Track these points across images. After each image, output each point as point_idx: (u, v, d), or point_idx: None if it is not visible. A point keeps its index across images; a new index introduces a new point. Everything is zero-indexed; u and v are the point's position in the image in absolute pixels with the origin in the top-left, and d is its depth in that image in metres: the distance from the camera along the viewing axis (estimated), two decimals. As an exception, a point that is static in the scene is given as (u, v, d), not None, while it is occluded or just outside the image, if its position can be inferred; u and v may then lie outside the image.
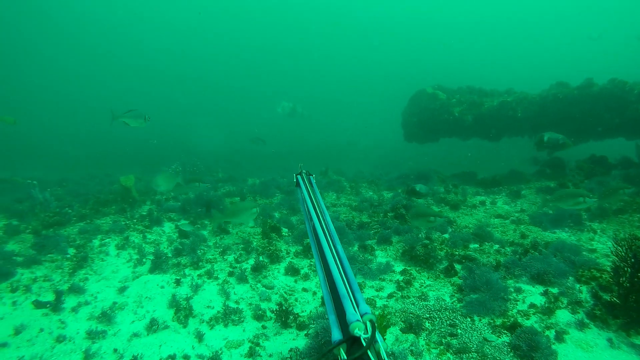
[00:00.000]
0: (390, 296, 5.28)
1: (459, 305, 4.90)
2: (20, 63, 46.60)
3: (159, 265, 5.88)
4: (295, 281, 5.76)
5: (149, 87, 51.23)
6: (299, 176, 1.72)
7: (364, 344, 0.93)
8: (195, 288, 5.26)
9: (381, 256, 6.64)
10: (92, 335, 4.24)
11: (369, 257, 6.45)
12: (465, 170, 13.72)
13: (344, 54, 61.09)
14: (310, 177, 1.71)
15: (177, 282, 5.40)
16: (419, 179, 11.70)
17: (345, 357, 0.97)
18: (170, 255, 6.34)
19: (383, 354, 0.91)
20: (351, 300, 1.07)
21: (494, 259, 6.09)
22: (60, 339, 4.23)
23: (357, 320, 1.00)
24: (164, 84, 52.49)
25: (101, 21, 50.92)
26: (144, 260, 6.18)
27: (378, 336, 1.00)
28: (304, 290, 5.51)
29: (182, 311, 4.62)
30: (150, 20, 54.84)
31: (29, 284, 5.46)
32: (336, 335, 1.08)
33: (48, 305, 4.86)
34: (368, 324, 1.01)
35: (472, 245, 6.89)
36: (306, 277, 5.85)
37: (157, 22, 55.13)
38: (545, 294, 4.74)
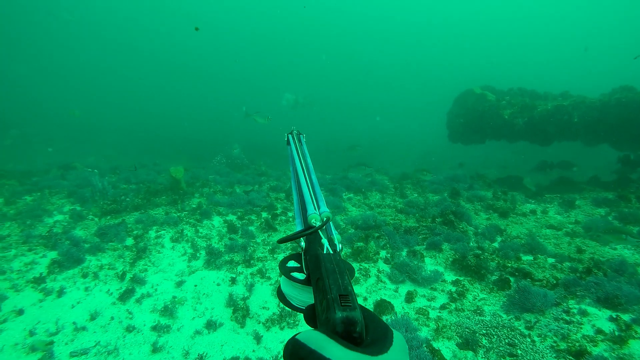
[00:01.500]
0: (443, 307, 5.22)
1: (516, 323, 4.75)
2: (68, 63, 49.97)
3: (212, 261, 6.08)
4: (345, 285, 5.78)
5: (188, 85, 53.24)
6: (290, 135, 1.85)
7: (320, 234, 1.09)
8: (250, 287, 5.40)
9: (430, 263, 6.54)
10: (158, 328, 4.46)
11: (419, 264, 6.38)
12: (511, 174, 13.22)
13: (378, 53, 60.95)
14: (301, 136, 1.86)
15: (233, 281, 5.56)
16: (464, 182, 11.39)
17: (303, 245, 1.09)
18: (222, 250, 6.53)
19: (336, 241, 1.02)
20: (313, 204, 1.21)
21: (550, 275, 5.85)
22: (129, 329, 4.49)
23: (314, 213, 1.15)
24: (201, 81, 54.48)
25: (145, 23, 53.65)
26: (198, 254, 6.41)
27: (334, 230, 1.13)
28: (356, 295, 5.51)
29: (240, 311, 4.77)
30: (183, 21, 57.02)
31: (97, 271, 5.81)
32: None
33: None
34: (324, 218, 1.14)
35: (525, 258, 6.64)
36: (355, 281, 5.86)
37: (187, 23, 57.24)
38: (614, 320, 4.50)
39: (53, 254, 6.14)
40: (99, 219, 8.00)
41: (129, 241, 6.91)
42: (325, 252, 0.96)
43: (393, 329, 0.72)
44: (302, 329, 3.71)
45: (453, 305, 5.23)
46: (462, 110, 14.70)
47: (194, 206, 8.66)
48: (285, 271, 1.10)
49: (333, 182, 10.82)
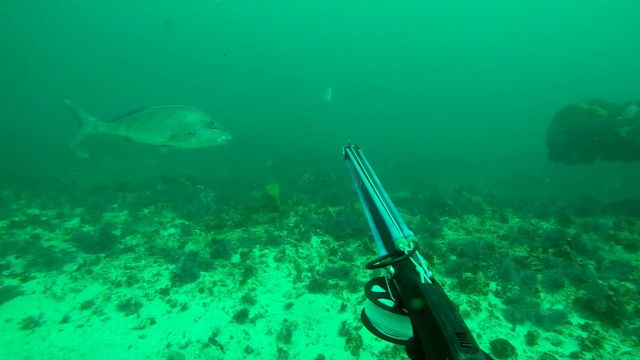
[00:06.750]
0: (574, 356, 4.66)
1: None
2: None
3: (318, 284, 6.15)
4: (456, 320, 5.46)
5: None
6: (347, 149, 1.82)
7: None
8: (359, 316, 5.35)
9: (548, 301, 5.93)
10: (276, 353, 4.59)
11: (535, 301, 5.83)
12: (628, 198, 11.60)
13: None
14: (359, 150, 1.80)
15: (342, 308, 5.56)
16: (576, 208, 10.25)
17: (393, 272, 1.06)
18: (324, 272, 6.60)
19: (424, 268, 0.97)
20: (396, 227, 1.15)
21: None
22: (249, 350, 4.69)
23: (401, 237, 1.09)
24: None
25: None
26: (302, 276, 6.54)
27: (421, 257, 1.05)
28: (467, 332, 5.18)
29: (353, 341, 4.73)
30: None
31: (211, 287, 6.22)
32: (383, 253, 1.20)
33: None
34: (411, 243, 1.08)
35: (671, 304, 5.69)
36: (466, 315, 5.52)
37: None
38: None
39: (172, 267, 6.72)
40: (205, 234, 8.62)
41: (236, 258, 7.31)
42: (423, 281, 0.92)
43: None
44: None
45: (588, 356, 4.65)
46: (564, 127, 13.39)
47: (291, 225, 8.94)
48: (372, 297, 1.09)
49: (428, 204, 10.47)
